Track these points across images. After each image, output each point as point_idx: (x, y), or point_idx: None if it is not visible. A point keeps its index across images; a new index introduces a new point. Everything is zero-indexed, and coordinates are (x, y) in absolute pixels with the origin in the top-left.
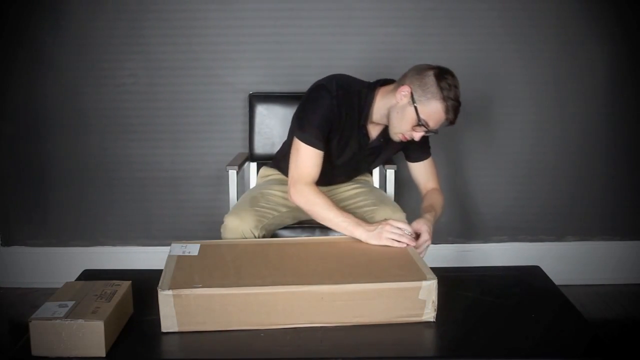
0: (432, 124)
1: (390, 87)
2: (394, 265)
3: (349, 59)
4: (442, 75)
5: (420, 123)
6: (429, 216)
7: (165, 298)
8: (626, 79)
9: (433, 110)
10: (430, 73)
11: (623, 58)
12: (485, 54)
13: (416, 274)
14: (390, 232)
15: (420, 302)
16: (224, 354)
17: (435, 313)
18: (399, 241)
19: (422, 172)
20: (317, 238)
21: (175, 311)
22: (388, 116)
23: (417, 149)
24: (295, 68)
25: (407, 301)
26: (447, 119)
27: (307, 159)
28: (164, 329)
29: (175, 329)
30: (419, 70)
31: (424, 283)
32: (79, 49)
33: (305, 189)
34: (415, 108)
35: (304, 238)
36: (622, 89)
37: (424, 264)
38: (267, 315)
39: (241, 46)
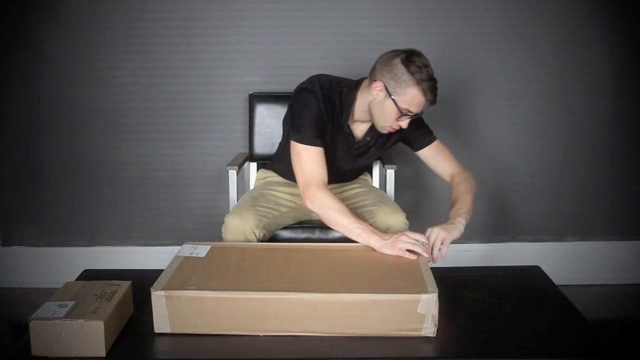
0: (414, 109)
1: (365, 82)
2: (399, 276)
3: (349, 59)
4: (409, 59)
5: (402, 113)
6: (459, 218)
7: (158, 298)
8: (628, 79)
9: (411, 97)
10: (397, 61)
11: (626, 58)
12: (485, 54)
13: (417, 286)
14: (405, 242)
15: (419, 315)
16: (223, 354)
17: (436, 328)
18: (413, 251)
19: (434, 158)
20: (330, 245)
21: (167, 312)
22: (370, 112)
23: (418, 136)
24: (295, 68)
25: (404, 314)
26: (427, 100)
27: (310, 159)
28: (156, 329)
29: (168, 330)
30: (386, 61)
31: (423, 296)
32: (78, 49)
33: (319, 193)
34: (394, 100)
35: (316, 244)
36: (623, 89)
37: (430, 277)
38: (260, 321)
39: (241, 46)
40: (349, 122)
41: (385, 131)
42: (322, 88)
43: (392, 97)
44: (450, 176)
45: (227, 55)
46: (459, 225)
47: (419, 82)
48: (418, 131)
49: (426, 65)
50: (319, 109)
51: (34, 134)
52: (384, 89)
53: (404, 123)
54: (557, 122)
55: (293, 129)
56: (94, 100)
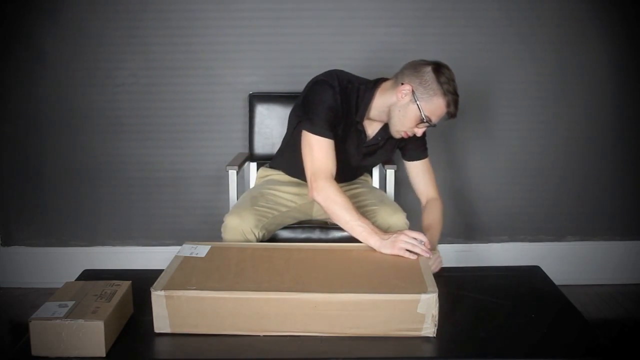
0: (435, 119)
1: (388, 84)
2: (399, 276)
3: (349, 59)
4: (440, 70)
5: (423, 120)
6: (431, 240)
7: (158, 298)
8: (628, 79)
9: (436, 106)
10: (429, 69)
11: (626, 58)
12: (485, 54)
13: (417, 286)
14: (405, 242)
15: (419, 315)
16: (223, 354)
17: (436, 328)
18: (412, 252)
19: (419, 174)
20: (330, 245)
21: (167, 312)
22: (388, 114)
23: (414, 147)
24: (295, 68)
25: (404, 314)
26: (448, 112)
27: (321, 151)
28: (156, 329)
29: (168, 330)
30: (416, 67)
31: (423, 296)
32: (78, 49)
33: (326, 186)
34: (418, 106)
35: (316, 244)
36: (623, 89)
37: (430, 277)
38: (260, 321)
39: (241, 46)
40: (363, 120)
41: (398, 135)
42: (340, 82)
43: (418, 102)
44: (426, 198)
45: (227, 55)
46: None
47: (445, 94)
48: (416, 143)
49: (453, 80)
50: (335, 102)
51: (34, 134)
52: (410, 94)
53: (420, 131)
54: (557, 122)
55: (306, 120)
56: (94, 100)
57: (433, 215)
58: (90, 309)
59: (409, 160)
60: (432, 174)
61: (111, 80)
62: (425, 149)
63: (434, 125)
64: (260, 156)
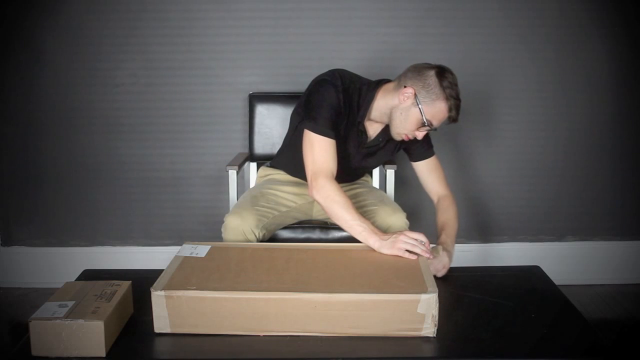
0: (436, 122)
1: (390, 86)
2: (399, 277)
3: (349, 59)
4: (443, 74)
5: (424, 124)
6: (446, 239)
7: (158, 299)
8: (628, 79)
9: (438, 110)
10: (432, 73)
11: (626, 58)
12: (486, 54)
13: (417, 287)
14: (404, 242)
15: (419, 315)
16: (223, 354)
17: (436, 328)
18: (412, 252)
19: (428, 173)
20: (330, 245)
21: (167, 312)
22: (390, 116)
23: (419, 147)
24: (295, 68)
25: (405, 314)
26: (450, 117)
27: (323, 150)
28: (156, 329)
29: (168, 330)
30: (419, 70)
31: (423, 296)
32: (78, 49)
33: (327, 185)
34: (420, 109)
35: (316, 244)
36: (625, 89)
37: (430, 277)
38: (259, 321)
39: (241, 46)
40: (364, 121)
41: (399, 138)
42: (343, 82)
43: (420, 106)
44: (437, 197)
45: (227, 55)
46: (452, 252)
47: (448, 98)
48: (420, 143)
49: (456, 84)
50: (338, 102)
51: (34, 134)
52: (412, 97)
53: (420, 134)
54: (558, 122)
55: (309, 118)
56: (94, 100)
57: (447, 213)
58: (90, 309)
59: (416, 161)
60: (441, 171)
61: (111, 80)
62: (431, 147)
63: (435, 129)
64: (260, 156)
